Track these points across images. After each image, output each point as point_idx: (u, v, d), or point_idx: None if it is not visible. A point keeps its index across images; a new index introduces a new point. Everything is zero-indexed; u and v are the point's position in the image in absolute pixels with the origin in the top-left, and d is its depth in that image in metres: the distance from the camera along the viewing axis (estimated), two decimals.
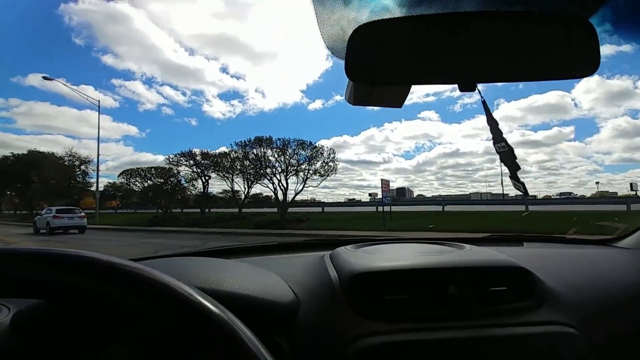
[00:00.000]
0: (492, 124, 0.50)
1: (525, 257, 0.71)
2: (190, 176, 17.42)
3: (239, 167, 15.37)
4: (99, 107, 20.89)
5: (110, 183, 27.97)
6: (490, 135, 0.50)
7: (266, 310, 0.54)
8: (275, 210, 18.10)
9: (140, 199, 21.94)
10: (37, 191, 23.30)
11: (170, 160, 16.24)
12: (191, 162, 16.14)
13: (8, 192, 28.63)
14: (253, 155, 14.60)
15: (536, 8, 0.45)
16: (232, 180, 16.13)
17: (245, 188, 16.16)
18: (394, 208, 15.18)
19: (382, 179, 11.15)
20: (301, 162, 14.15)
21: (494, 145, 0.50)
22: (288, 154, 13.97)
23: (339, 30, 0.45)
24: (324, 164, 14.35)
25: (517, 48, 0.42)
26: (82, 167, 23.37)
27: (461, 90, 0.45)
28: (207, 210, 16.78)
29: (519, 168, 0.50)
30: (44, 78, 19.01)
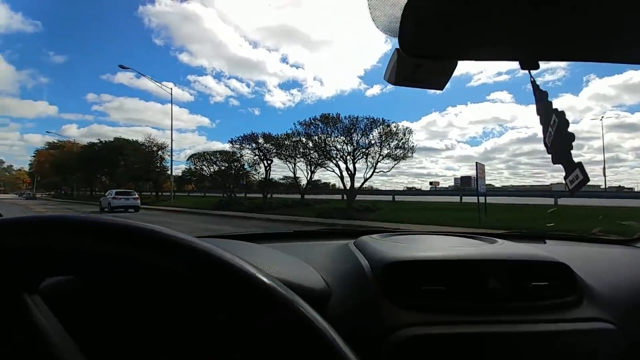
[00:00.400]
0: (542, 107, 0.44)
1: (556, 254, 0.68)
2: (253, 160, 17.16)
3: (302, 150, 14.43)
4: (171, 93, 21.84)
5: (186, 168, 30.39)
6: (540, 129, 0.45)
7: (300, 294, 0.44)
8: (337, 197, 16.99)
9: (209, 183, 22.67)
10: (123, 174, 25.73)
11: (234, 143, 16.02)
12: (253, 145, 15.73)
13: (98, 176, 32.44)
14: (317, 137, 13.42)
15: None
16: (295, 164, 15.30)
17: (307, 173, 15.25)
18: (463, 198, 13.04)
19: (477, 163, 9.05)
20: (373, 143, 12.50)
21: (544, 140, 0.44)
22: (357, 133, 12.45)
23: (390, 5, 0.40)
24: (398, 146, 12.50)
25: (581, 25, 0.38)
26: (160, 152, 25.08)
27: (523, 68, 0.42)
28: (269, 195, 16.31)
29: (572, 142, 0.42)
30: (120, 67, 20.07)
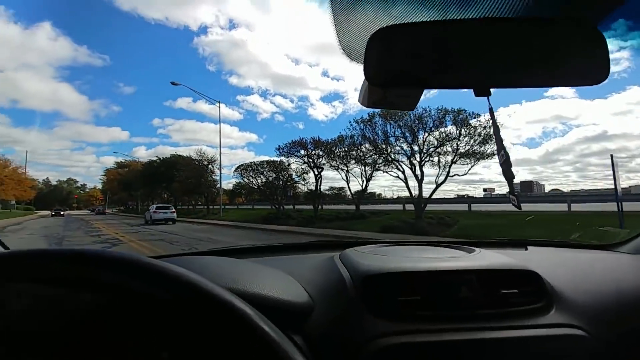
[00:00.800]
0: (497, 131, 0.50)
1: (531, 261, 0.71)
2: (301, 170, 15.83)
3: (356, 155, 12.69)
4: (219, 107, 21.79)
5: (237, 182, 31.03)
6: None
7: (281, 309, 0.54)
8: (395, 207, 14.84)
9: (258, 196, 22.55)
10: (177, 189, 26.36)
11: (281, 151, 14.83)
12: (302, 152, 14.38)
13: (159, 191, 34.00)
14: (376, 137, 11.58)
15: (547, 14, 0.47)
16: (348, 170, 13.58)
17: (363, 180, 13.43)
18: (525, 206, 10.29)
19: (611, 156, 6.56)
20: (450, 138, 10.22)
21: (498, 156, 0.50)
22: (425, 129, 10.36)
23: (356, 34, 0.46)
24: (478, 141, 10.06)
25: (529, 53, 0.43)
26: (210, 166, 25.29)
27: (476, 95, 0.45)
28: (319, 207, 14.75)
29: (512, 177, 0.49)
30: (172, 83, 20.52)
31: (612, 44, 0.44)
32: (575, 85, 0.46)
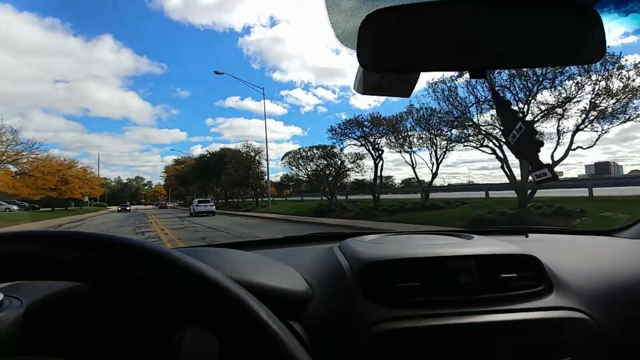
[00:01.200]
0: (504, 110, 0.49)
1: (531, 247, 0.70)
2: (354, 155, 13.83)
3: (429, 128, 10.31)
4: (263, 94, 20.60)
5: (284, 174, 30.85)
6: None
7: (280, 297, 0.55)
8: (475, 196, 12.17)
9: (306, 186, 21.50)
10: (226, 181, 26.09)
11: (334, 131, 12.87)
12: (357, 133, 12.34)
13: (211, 185, 34.52)
14: (457, 102, 9.02)
15: None
16: (412, 152, 11.26)
17: (432, 164, 11.01)
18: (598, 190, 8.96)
19: None
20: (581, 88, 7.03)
21: (506, 138, 0.48)
22: (540, 81, 7.29)
23: (349, 18, 0.46)
24: (628, 91, 6.74)
25: (524, 34, 0.43)
26: (257, 157, 24.51)
27: (471, 77, 0.45)
28: (378, 196, 12.63)
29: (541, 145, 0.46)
30: (216, 72, 19.87)
31: (608, 24, 0.43)
32: (570, 64, 0.41)
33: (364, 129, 12.07)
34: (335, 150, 14.29)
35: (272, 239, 1.03)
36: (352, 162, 14.56)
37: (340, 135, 12.76)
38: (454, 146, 10.23)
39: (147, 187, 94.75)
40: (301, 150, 15.05)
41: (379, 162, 12.18)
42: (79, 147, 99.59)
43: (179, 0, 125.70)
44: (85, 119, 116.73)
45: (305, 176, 15.54)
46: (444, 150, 10.54)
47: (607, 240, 0.92)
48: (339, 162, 14.43)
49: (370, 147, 12.24)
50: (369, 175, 13.79)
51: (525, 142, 0.46)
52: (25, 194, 20.49)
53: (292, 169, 15.64)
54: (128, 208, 36.49)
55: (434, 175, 11.21)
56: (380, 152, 12.11)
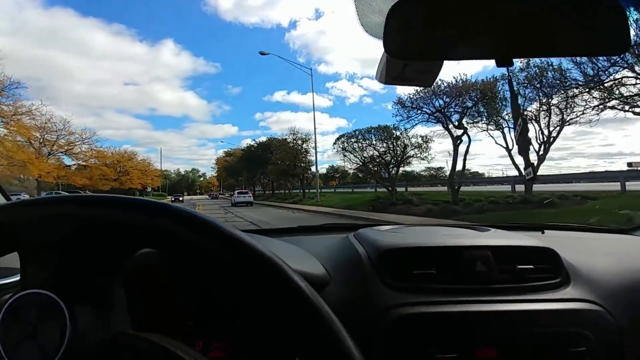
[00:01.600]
0: (514, 105, 0.52)
1: (548, 242, 0.69)
2: (420, 139, 11.18)
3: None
4: (311, 75, 18.59)
5: (329, 167, 29.69)
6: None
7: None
8: (586, 187, 8.93)
9: (352, 178, 19.43)
10: (272, 171, 24.84)
11: (402, 105, 10.26)
12: (431, 108, 9.65)
13: (258, 175, 33.81)
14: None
15: None
16: (525, 119, 8.42)
17: (540, 143, 7.98)
18: None
19: None
20: None
21: (514, 134, 0.50)
22: None
23: (375, 8, 0.47)
24: None
25: (550, 23, 0.43)
26: (304, 145, 22.78)
27: (498, 65, 0.45)
28: (458, 187, 9.84)
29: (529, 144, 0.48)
30: (261, 53, 18.57)
31: (633, 15, 0.43)
32: (595, 55, 0.44)
33: (444, 99, 9.33)
34: (396, 132, 11.77)
35: (287, 228, 1.09)
36: (416, 147, 11.94)
37: (410, 109, 10.13)
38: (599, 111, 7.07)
39: (202, 179, 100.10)
40: (357, 132, 12.71)
41: (459, 143, 9.38)
42: (147, 143, 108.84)
43: (231, 2, 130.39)
44: (152, 118, 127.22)
45: (360, 163, 13.17)
46: (564, 122, 7.46)
47: (624, 238, 0.93)
48: (402, 146, 11.87)
49: (450, 125, 9.48)
50: (436, 164, 11.00)
51: (522, 139, 0.48)
52: (79, 184, 21.14)
53: (344, 155, 13.39)
54: (181, 198, 37.46)
55: (541, 159, 8.17)
56: (463, 128, 9.29)
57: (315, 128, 18.47)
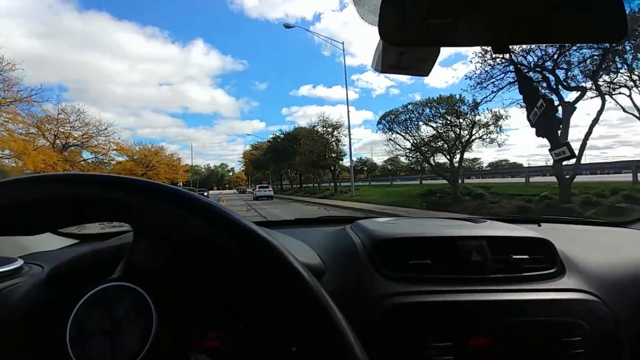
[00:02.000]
0: (526, 87, 0.49)
1: (544, 234, 0.68)
2: (491, 116, 8.32)
3: None
4: (343, 49, 15.95)
5: (357, 159, 27.87)
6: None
7: None
8: None
9: (384, 169, 16.72)
10: (299, 163, 22.60)
11: (485, 57, 7.31)
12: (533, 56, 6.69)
13: (285, 168, 31.78)
14: None
15: None
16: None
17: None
18: None
19: None
20: None
21: (528, 116, 0.48)
22: None
23: None
24: None
25: (547, 10, 0.43)
26: (335, 132, 20.19)
27: (495, 52, 0.45)
28: (571, 178, 6.82)
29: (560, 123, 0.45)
30: (285, 26, 16.38)
31: (629, 3, 0.43)
32: (593, 42, 0.46)
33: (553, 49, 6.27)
34: (462, 105, 8.91)
35: (285, 220, 1.11)
36: (484, 127, 9.00)
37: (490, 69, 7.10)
38: None
39: (230, 173, 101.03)
40: (410, 106, 9.89)
41: (573, 111, 6.35)
42: (181, 140, 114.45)
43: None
44: (185, 116, 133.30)
45: (412, 146, 10.37)
46: None
47: (620, 231, 0.93)
48: (470, 124, 8.99)
49: (560, 87, 6.43)
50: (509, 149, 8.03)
51: (545, 119, 0.46)
52: None
53: (389, 140, 10.65)
54: (205, 193, 36.53)
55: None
56: (581, 90, 6.24)
57: (348, 110, 15.82)
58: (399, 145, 10.52)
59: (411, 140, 10.08)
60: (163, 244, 0.37)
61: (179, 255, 0.38)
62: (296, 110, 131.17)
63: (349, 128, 16.11)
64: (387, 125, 10.26)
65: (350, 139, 15.87)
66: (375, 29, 0.42)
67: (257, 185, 24.50)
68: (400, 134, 10.16)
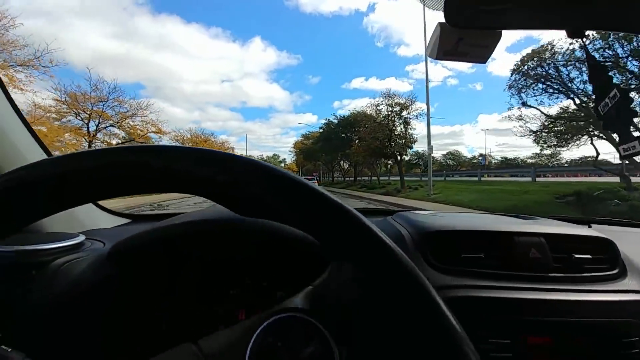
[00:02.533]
0: (598, 75, 0.45)
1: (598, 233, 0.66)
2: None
3: None
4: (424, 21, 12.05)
5: (412, 152, 23.64)
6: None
7: None
8: None
9: (442, 163, 12.27)
10: (356, 152, 19.24)
11: None
12: None
13: (338, 159, 28.65)
14: None
15: None
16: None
17: None
18: None
19: None
20: None
21: (597, 106, 0.45)
22: None
23: None
24: None
25: None
26: (403, 113, 16.36)
27: (569, 36, 0.42)
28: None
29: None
30: None
31: None
32: None
33: None
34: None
35: None
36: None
37: None
38: None
39: (282, 165, 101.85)
40: (553, 54, 5.93)
41: None
42: (239, 133, 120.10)
43: None
44: (243, 110, 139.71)
45: (542, 124, 6.39)
46: None
47: None
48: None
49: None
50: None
51: (617, 111, 0.42)
52: None
53: (522, 104, 6.74)
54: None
55: None
56: None
57: (427, 78, 11.98)
58: (541, 111, 6.58)
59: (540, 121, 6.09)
60: (354, 273, 0.30)
61: (367, 289, 0.30)
62: (348, 103, 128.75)
63: (427, 105, 12.27)
64: (522, 83, 6.34)
65: (428, 119, 12.08)
66: (433, 15, 0.38)
67: (303, 177, 24.86)
68: (533, 107, 6.21)
